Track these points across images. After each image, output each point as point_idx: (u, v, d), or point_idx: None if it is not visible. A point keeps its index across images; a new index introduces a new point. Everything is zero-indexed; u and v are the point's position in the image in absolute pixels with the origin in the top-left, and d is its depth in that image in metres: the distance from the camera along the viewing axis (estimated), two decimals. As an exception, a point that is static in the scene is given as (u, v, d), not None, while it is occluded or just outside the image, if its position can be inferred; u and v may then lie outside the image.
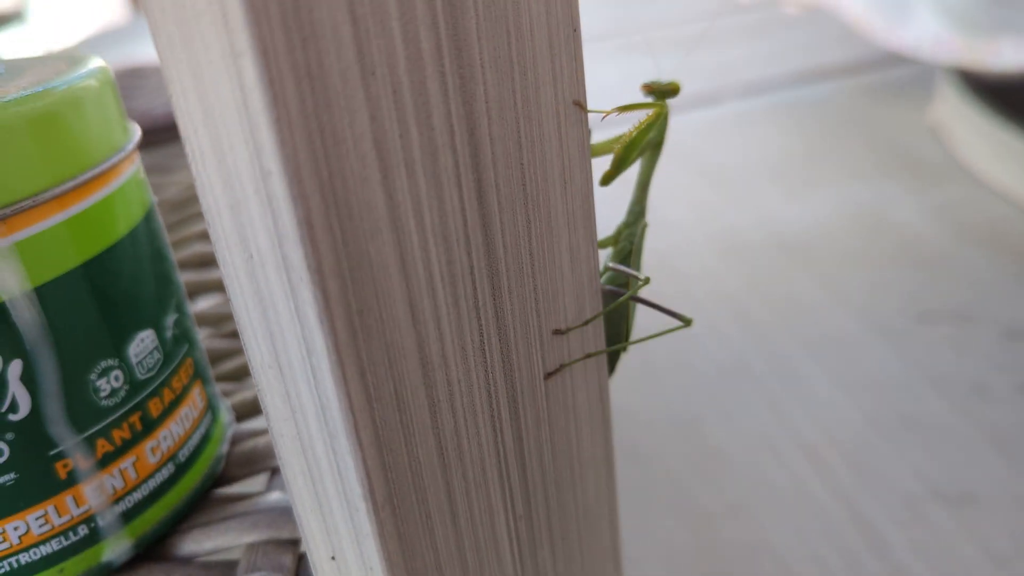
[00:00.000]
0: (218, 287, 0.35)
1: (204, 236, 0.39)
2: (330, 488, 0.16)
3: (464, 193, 0.16)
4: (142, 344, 0.22)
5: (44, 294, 0.19)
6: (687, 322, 0.22)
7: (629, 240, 0.23)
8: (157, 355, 0.22)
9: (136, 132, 0.23)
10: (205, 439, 0.24)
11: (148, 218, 0.23)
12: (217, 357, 0.30)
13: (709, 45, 1.20)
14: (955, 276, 0.65)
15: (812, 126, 0.94)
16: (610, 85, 1.08)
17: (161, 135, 0.52)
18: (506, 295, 0.17)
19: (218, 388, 0.28)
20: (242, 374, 0.29)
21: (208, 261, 0.37)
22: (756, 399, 0.55)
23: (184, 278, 0.35)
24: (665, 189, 0.83)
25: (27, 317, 0.19)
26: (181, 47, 0.13)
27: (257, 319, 0.15)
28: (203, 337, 0.31)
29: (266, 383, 0.16)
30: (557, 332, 0.19)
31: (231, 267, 0.15)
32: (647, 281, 0.22)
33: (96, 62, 0.22)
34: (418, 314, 0.15)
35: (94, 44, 1.81)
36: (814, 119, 0.95)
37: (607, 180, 0.21)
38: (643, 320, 0.25)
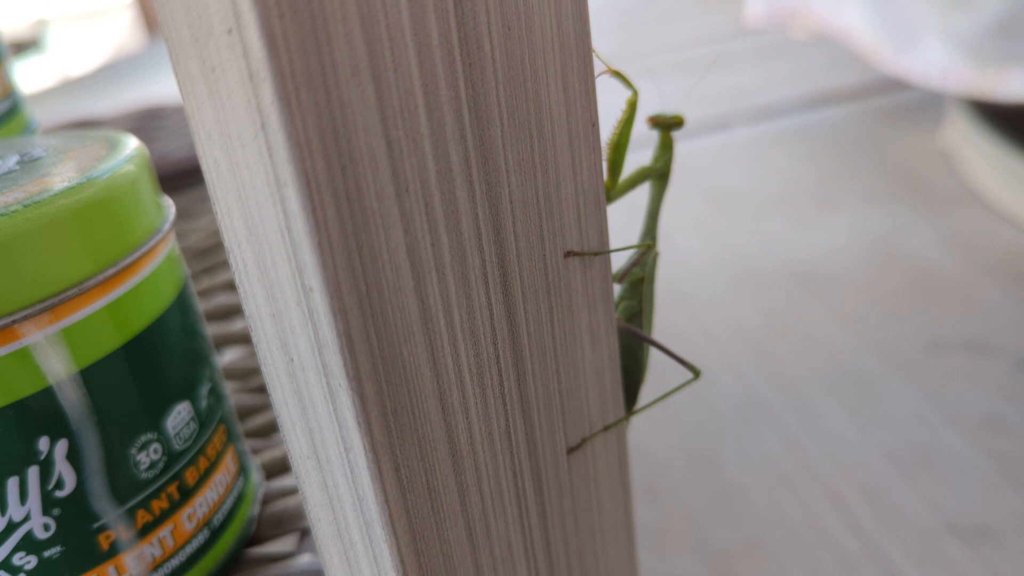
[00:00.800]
0: (243, 339, 0.36)
1: (228, 286, 0.40)
2: (366, 571, 0.17)
3: (490, 288, 0.17)
4: (179, 416, 0.22)
5: (88, 376, 0.20)
6: (696, 373, 0.23)
7: (641, 268, 0.23)
8: (193, 425, 0.23)
9: (171, 209, 0.24)
10: (238, 502, 0.25)
11: (183, 292, 0.23)
12: (245, 413, 0.31)
13: (717, 69, 1.21)
14: (967, 306, 0.65)
15: (822, 151, 0.94)
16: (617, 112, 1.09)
17: (184, 180, 0.53)
18: (530, 380, 0.18)
19: (247, 444, 0.29)
20: (269, 430, 0.30)
21: (232, 312, 0.38)
22: (772, 435, 0.56)
23: (210, 331, 0.36)
24: (676, 217, 0.83)
25: (72, 399, 0.20)
26: (228, 172, 0.14)
27: (297, 415, 0.16)
28: (230, 391, 0.32)
29: (304, 473, 0.16)
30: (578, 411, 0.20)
31: (272, 367, 0.16)
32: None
33: (132, 143, 0.23)
34: (448, 407, 0.16)
35: (110, 72, 1.84)
36: (824, 144, 0.96)
37: (609, 194, 0.21)
38: (657, 361, 0.26)
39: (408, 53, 0.14)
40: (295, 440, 0.16)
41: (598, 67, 0.19)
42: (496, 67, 0.15)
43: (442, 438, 0.16)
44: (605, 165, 0.21)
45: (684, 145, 0.99)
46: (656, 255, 0.24)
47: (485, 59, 0.15)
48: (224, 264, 0.42)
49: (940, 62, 0.70)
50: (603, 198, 0.19)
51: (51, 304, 0.19)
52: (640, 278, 0.23)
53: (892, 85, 1.04)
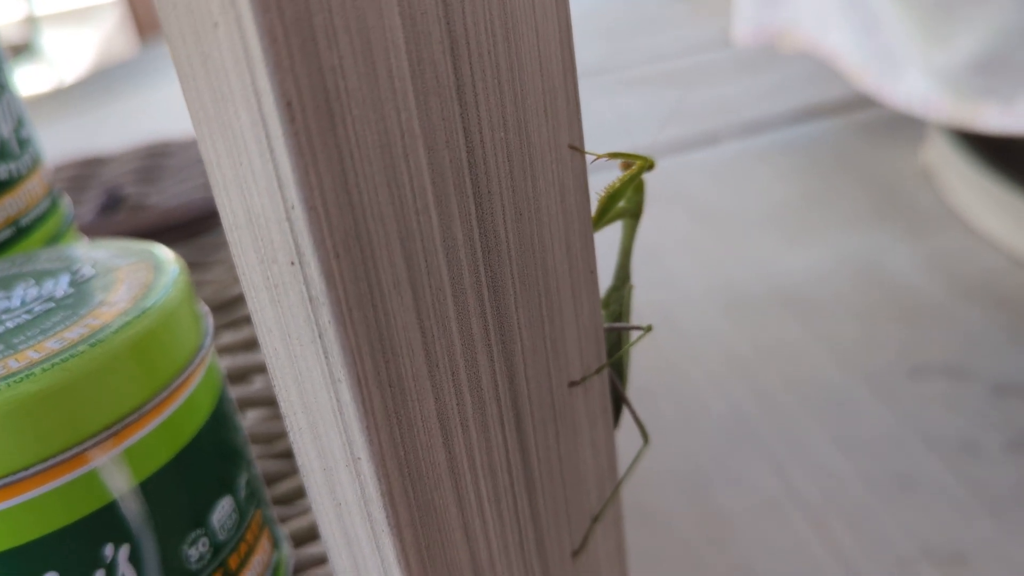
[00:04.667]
0: (265, 401, 0.38)
1: (247, 344, 0.42)
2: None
3: (506, 429, 0.19)
4: (222, 510, 0.25)
5: (145, 487, 0.23)
6: (646, 439, 0.25)
7: (619, 303, 0.25)
8: (234, 516, 0.25)
9: (209, 323, 0.26)
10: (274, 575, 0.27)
11: (222, 394, 0.26)
12: (271, 479, 0.34)
13: (703, 81, 1.24)
14: (947, 330, 0.68)
15: (806, 167, 0.97)
16: (606, 122, 1.11)
17: (194, 227, 0.55)
18: (540, 497, 0.21)
19: (274, 512, 0.31)
20: (295, 496, 0.33)
21: (252, 371, 0.40)
22: (759, 461, 0.59)
23: (234, 394, 0.38)
24: (666, 237, 0.86)
25: (133, 509, 0.22)
26: (287, 362, 0.16)
27: (343, 548, 0.18)
28: (255, 456, 0.35)
29: (347, 591, 0.19)
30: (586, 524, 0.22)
31: (321, 506, 0.18)
32: (649, 328, 0.24)
33: (174, 263, 0.25)
34: (471, 533, 0.19)
35: (103, 78, 1.85)
36: (808, 160, 0.98)
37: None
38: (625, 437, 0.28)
39: (439, 258, 0.16)
40: (341, 566, 0.19)
41: (591, 158, 0.21)
42: (510, 248, 0.18)
43: (467, 559, 0.19)
44: (594, 205, 0.22)
45: (671, 160, 1.02)
46: (631, 288, 0.25)
47: (501, 244, 0.18)
48: (242, 320, 0.44)
49: (921, 92, 0.72)
50: (601, 328, 0.22)
51: (115, 431, 0.22)
52: (619, 313, 0.25)
53: (875, 99, 1.07)
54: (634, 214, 0.24)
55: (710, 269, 0.81)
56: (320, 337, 0.15)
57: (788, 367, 0.67)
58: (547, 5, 0.18)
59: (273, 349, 0.17)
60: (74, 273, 0.26)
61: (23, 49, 2.02)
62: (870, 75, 0.82)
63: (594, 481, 0.23)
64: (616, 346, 0.25)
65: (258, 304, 0.16)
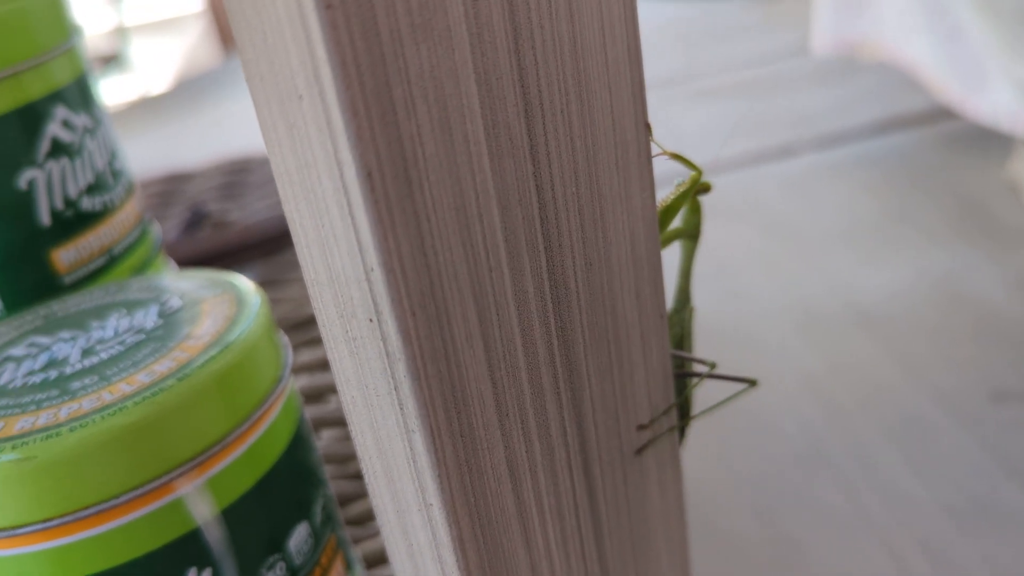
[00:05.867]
0: (338, 420, 0.39)
1: (323, 364, 0.43)
2: None
3: (574, 473, 0.19)
4: (299, 536, 0.26)
5: (227, 514, 0.24)
6: (752, 382, 0.24)
7: (680, 325, 0.25)
8: (310, 541, 0.26)
9: (288, 353, 0.27)
10: (345, 600, 0.28)
11: (300, 423, 0.27)
12: (344, 500, 0.34)
13: (779, 91, 1.22)
14: (1031, 353, 0.66)
15: (886, 181, 0.95)
16: (686, 132, 1.10)
17: (271, 246, 0.57)
18: (607, 540, 0.21)
19: (348, 534, 0.32)
20: (367, 518, 0.34)
21: (328, 390, 0.41)
22: (832, 485, 0.58)
23: (310, 413, 0.39)
24: (739, 251, 0.85)
25: (214, 535, 0.23)
26: (363, 409, 0.17)
27: (414, 586, 0.19)
28: (328, 476, 0.36)
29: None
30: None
31: (395, 547, 0.19)
32: (713, 366, 0.24)
33: (255, 296, 0.26)
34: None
35: (188, 89, 1.91)
36: (888, 173, 0.96)
37: None
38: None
39: (510, 311, 0.17)
40: (412, 604, 0.19)
41: (655, 149, 0.20)
42: (580, 298, 0.18)
43: (534, 602, 0.19)
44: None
45: (745, 173, 1.01)
46: (692, 310, 0.25)
47: (571, 295, 0.18)
48: (318, 339, 0.45)
49: (1009, 106, 0.70)
50: (670, 370, 0.22)
51: (199, 462, 0.23)
52: (680, 335, 0.25)
53: (958, 112, 1.04)
54: (692, 235, 0.24)
55: (784, 285, 0.80)
56: (396, 389, 0.16)
57: (863, 387, 0.66)
58: (620, 62, 0.18)
59: (351, 397, 0.17)
60: (162, 304, 0.27)
61: (112, 60, 2.10)
62: (953, 87, 0.79)
63: (659, 519, 0.23)
64: (679, 371, 0.25)
65: (337, 355, 0.17)
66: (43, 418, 0.22)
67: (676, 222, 0.24)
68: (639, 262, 0.20)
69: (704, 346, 0.72)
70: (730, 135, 1.05)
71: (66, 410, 0.22)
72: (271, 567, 0.25)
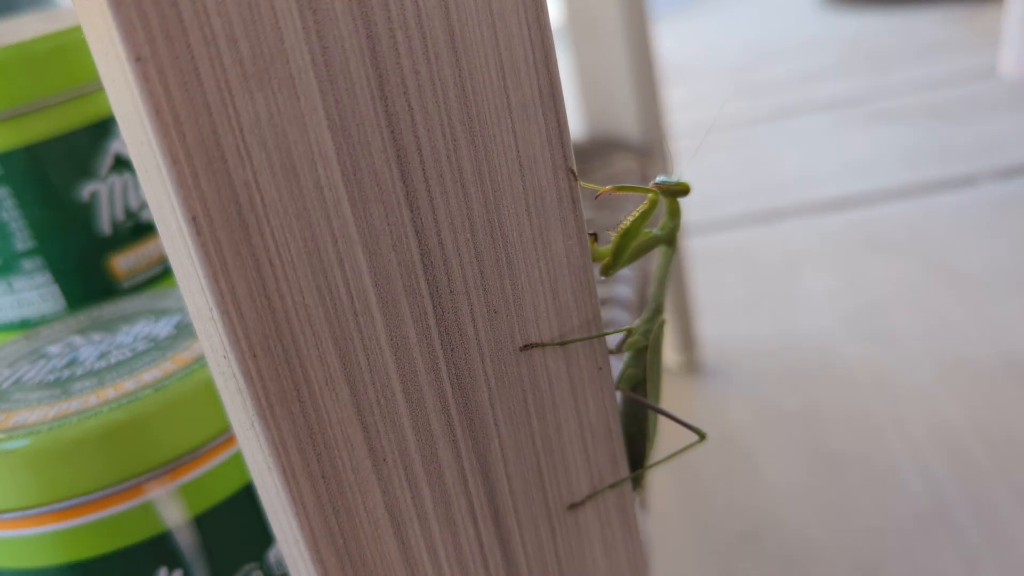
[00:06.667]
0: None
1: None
2: None
3: (479, 524, 0.19)
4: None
5: (201, 520, 0.25)
6: (702, 436, 0.22)
7: (645, 336, 0.23)
8: (295, 554, 0.27)
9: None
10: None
11: (297, 438, 0.28)
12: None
13: (966, 115, 1.12)
14: None
15: (1080, 218, 0.85)
16: (856, 156, 1.04)
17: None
18: (528, 594, 0.20)
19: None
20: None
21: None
22: (951, 551, 0.53)
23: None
24: (893, 287, 0.79)
25: (186, 539, 0.24)
26: (242, 439, 0.17)
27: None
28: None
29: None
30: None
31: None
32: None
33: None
34: (435, 624, 0.19)
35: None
36: (1084, 210, 0.87)
37: (607, 270, 0.21)
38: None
39: (384, 357, 0.17)
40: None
41: (592, 192, 0.20)
42: (481, 344, 0.18)
43: (428, 650, 0.19)
44: (611, 245, 0.21)
45: (916, 203, 0.93)
46: (663, 323, 0.23)
47: (468, 342, 0.18)
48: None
49: None
50: (618, 428, 0.21)
51: (171, 468, 0.24)
52: (644, 346, 0.23)
53: None
54: (669, 241, 0.22)
55: (935, 326, 0.73)
56: (253, 426, 0.16)
57: (1004, 448, 0.59)
58: (530, 105, 0.17)
59: (235, 422, 0.18)
60: (184, 315, 0.29)
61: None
62: None
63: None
64: (641, 383, 0.23)
65: (219, 385, 0.17)
66: (36, 415, 0.24)
67: (656, 228, 0.22)
68: (565, 311, 0.19)
69: (834, 388, 0.68)
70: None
71: (56, 409, 0.24)
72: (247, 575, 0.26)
